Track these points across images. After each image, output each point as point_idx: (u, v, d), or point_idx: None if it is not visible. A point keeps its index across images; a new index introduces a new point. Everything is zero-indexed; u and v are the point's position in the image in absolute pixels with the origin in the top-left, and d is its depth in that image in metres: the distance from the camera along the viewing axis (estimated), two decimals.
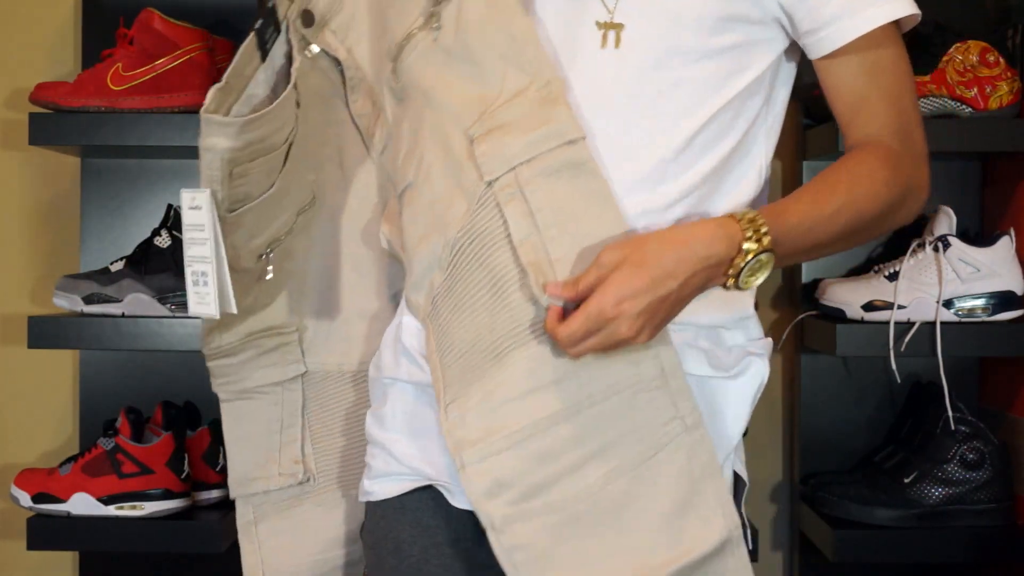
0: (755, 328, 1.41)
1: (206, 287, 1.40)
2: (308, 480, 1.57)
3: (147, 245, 2.20)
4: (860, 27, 1.30)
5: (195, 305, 1.42)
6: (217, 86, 1.40)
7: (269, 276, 1.52)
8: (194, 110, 2.12)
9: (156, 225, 2.25)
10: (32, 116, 2.12)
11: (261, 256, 1.51)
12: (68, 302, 2.17)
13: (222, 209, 1.41)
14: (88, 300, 2.16)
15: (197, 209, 1.40)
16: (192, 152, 2.23)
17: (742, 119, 1.34)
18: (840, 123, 1.37)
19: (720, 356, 1.35)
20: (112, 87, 2.12)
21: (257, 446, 1.58)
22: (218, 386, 1.58)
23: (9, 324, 2.46)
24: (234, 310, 1.43)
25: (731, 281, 1.26)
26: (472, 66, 1.30)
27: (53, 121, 2.12)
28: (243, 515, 1.61)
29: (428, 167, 1.33)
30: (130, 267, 2.18)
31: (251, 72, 1.43)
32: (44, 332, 2.14)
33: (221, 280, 1.41)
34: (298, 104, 1.45)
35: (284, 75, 1.45)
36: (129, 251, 2.27)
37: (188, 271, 1.42)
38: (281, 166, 1.46)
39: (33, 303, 2.46)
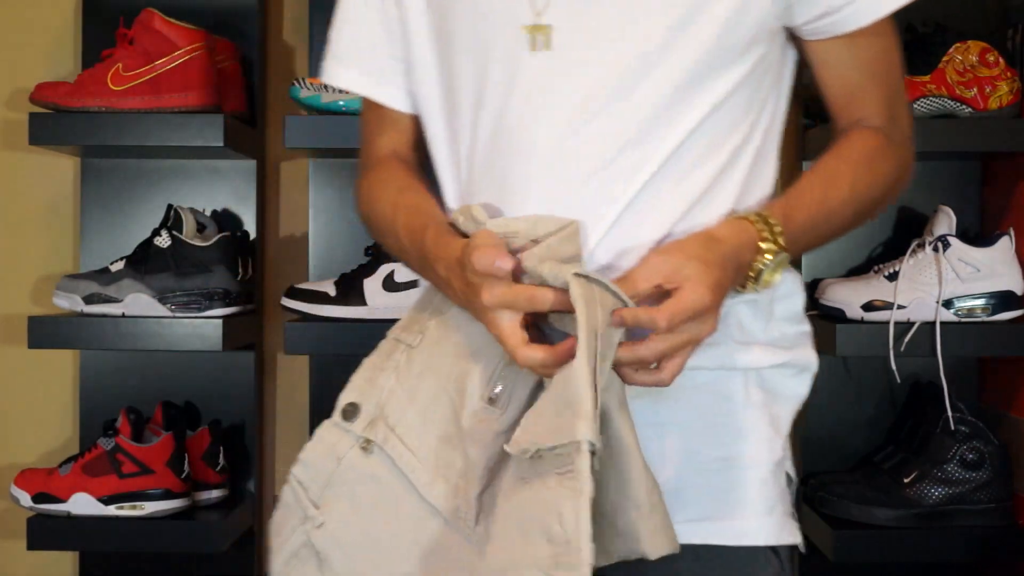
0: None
1: None
2: None
3: (147, 245, 2.20)
4: (880, 9, 1.28)
5: None
6: None
7: None
8: (194, 110, 2.12)
9: (156, 225, 2.25)
10: (32, 116, 2.12)
11: None
12: (68, 302, 2.17)
13: None
14: (88, 300, 2.16)
15: None
16: (191, 152, 2.24)
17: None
18: (832, 106, 1.36)
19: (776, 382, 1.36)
20: (112, 87, 2.12)
21: None
22: None
23: (9, 324, 2.46)
24: None
25: (751, 284, 1.24)
26: None
27: (53, 121, 2.12)
28: None
29: None
30: (130, 267, 2.18)
31: None
32: (44, 332, 2.14)
33: None
34: None
35: None
36: (129, 251, 2.27)
37: None
38: None
39: (33, 303, 2.46)
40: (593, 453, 1.11)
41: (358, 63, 1.42)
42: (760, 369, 1.32)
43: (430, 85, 1.36)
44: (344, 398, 1.32)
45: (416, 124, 1.42)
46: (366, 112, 1.46)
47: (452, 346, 1.29)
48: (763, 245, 1.22)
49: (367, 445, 1.29)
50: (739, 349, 1.31)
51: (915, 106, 2.11)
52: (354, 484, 1.29)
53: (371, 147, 1.45)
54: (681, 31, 1.23)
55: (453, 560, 1.24)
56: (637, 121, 1.24)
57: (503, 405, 1.24)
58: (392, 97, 1.41)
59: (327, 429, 1.32)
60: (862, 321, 2.11)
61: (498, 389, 1.25)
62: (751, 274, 1.23)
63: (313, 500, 1.30)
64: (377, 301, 2.13)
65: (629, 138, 1.24)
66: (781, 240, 1.23)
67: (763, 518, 1.33)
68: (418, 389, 1.29)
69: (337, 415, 1.32)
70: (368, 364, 1.35)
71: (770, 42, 1.29)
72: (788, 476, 1.41)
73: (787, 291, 1.35)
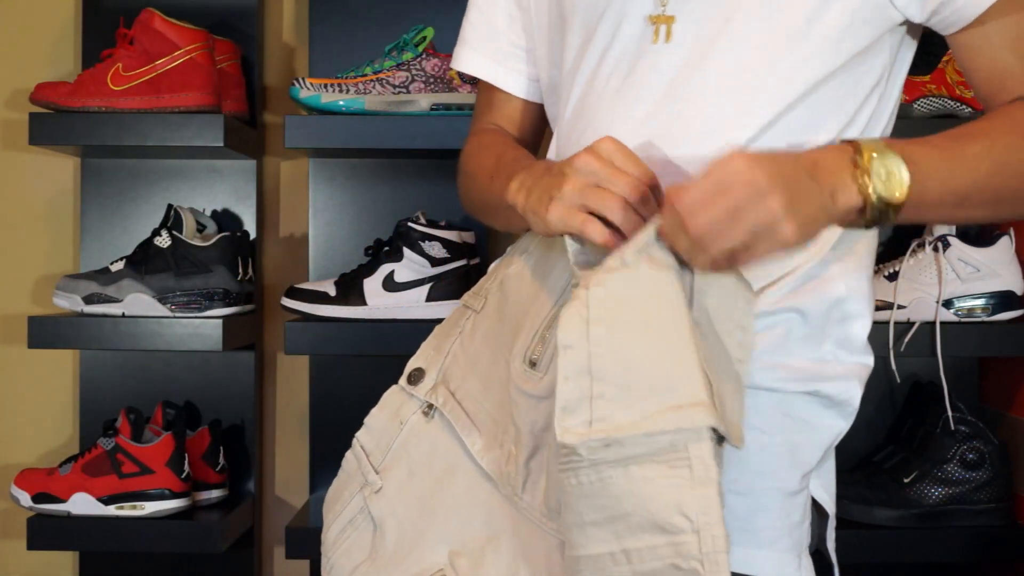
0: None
1: None
2: None
3: (147, 245, 2.20)
4: None
5: None
6: None
7: None
8: (194, 110, 2.12)
9: (156, 225, 2.25)
10: (32, 116, 2.12)
11: None
12: (68, 302, 2.17)
13: None
14: (88, 300, 2.16)
15: None
16: (191, 152, 2.24)
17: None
18: (984, 96, 1.27)
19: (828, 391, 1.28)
20: (112, 87, 2.12)
21: None
22: None
23: (9, 324, 2.46)
24: None
25: (864, 177, 1.07)
26: None
27: (53, 121, 2.12)
28: None
29: None
30: (130, 267, 2.18)
31: None
32: (44, 332, 2.14)
33: None
34: None
35: None
36: (129, 251, 2.27)
37: None
38: None
39: (33, 303, 2.46)
40: (719, 438, 1.03)
41: (479, 47, 1.44)
42: (784, 393, 1.23)
43: (541, 68, 1.37)
44: (412, 363, 1.32)
45: (527, 112, 1.43)
46: (479, 93, 1.48)
47: (509, 307, 1.27)
48: (863, 144, 1.09)
49: (428, 410, 1.28)
50: (764, 367, 1.21)
51: (915, 106, 2.11)
52: (413, 450, 1.28)
53: (475, 124, 1.47)
54: (772, 20, 1.18)
55: (501, 527, 1.21)
56: (712, 110, 1.19)
57: (544, 368, 1.19)
58: (507, 82, 1.43)
59: (393, 393, 1.32)
60: None
61: (538, 352, 1.20)
62: (863, 171, 1.07)
63: (375, 465, 1.29)
64: (377, 301, 2.13)
65: (700, 129, 1.19)
66: (881, 144, 1.09)
67: (755, 549, 1.23)
68: (479, 354, 1.27)
69: (403, 379, 1.31)
70: (437, 330, 1.34)
71: (870, 41, 1.23)
72: (815, 512, 1.30)
73: (853, 311, 1.25)
